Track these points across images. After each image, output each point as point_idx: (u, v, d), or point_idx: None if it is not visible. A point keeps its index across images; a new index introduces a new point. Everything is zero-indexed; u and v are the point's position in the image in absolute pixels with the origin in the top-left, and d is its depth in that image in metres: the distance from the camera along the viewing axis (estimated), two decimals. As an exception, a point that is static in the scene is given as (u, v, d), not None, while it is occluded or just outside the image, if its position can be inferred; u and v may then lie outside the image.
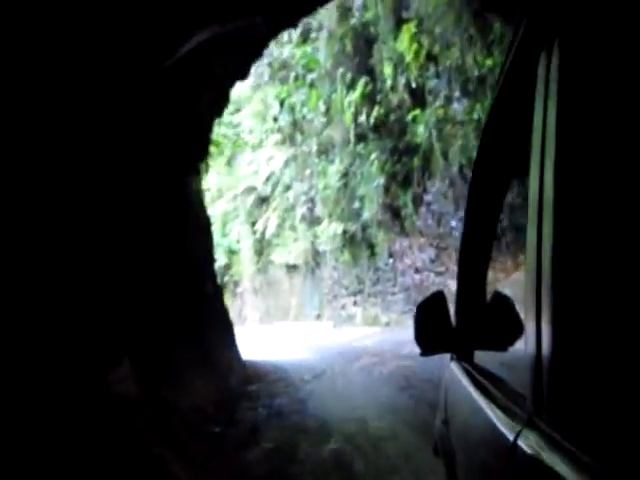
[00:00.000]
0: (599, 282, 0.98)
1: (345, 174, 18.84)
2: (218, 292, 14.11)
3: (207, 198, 32.69)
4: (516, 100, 1.62)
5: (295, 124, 22.77)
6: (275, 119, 24.66)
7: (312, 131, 21.11)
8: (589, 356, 0.99)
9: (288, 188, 26.00)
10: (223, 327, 13.22)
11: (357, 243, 19.16)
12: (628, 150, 0.96)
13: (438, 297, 2.38)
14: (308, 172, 22.54)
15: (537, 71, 1.21)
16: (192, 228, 10.57)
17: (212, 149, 32.37)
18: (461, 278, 2.39)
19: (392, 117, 15.68)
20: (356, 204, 18.26)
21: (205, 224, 13.02)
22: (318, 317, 24.24)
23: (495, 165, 2.04)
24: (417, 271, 16.63)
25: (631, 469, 0.84)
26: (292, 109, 22.91)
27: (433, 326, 2.36)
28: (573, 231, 1.04)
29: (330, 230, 20.16)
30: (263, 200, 28.68)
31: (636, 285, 0.91)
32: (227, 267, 31.32)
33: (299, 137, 22.63)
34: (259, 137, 28.27)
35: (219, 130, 33.80)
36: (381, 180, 16.43)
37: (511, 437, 1.27)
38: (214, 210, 31.85)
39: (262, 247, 29.47)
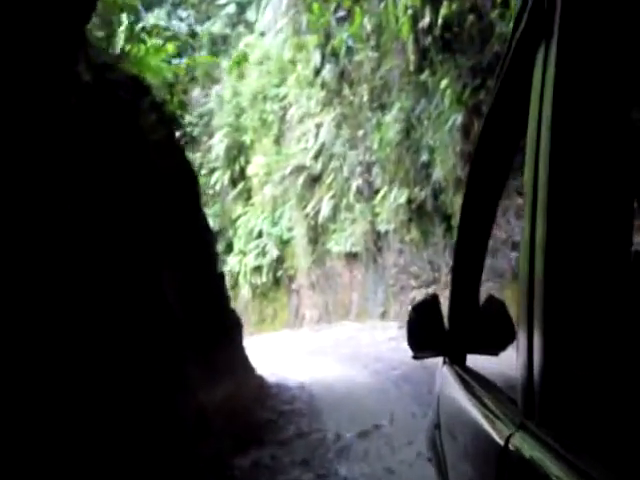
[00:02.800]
0: (592, 287, 0.96)
1: (407, 121, 13.29)
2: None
3: (255, 182, 27.87)
4: (513, 102, 1.59)
5: (342, 75, 17.37)
6: (317, 71, 19.27)
7: (362, 77, 15.68)
8: (581, 361, 0.97)
9: (341, 159, 20.67)
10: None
11: (427, 215, 13.69)
12: (622, 152, 0.94)
13: (432, 300, 2.35)
14: (361, 133, 17.08)
15: (534, 68, 1.17)
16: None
17: (259, 127, 27.28)
18: (454, 281, 2.31)
19: (469, 20, 10.08)
20: (423, 158, 12.71)
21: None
22: (383, 315, 18.83)
23: (492, 164, 1.92)
24: (515, 247, 11.05)
25: (623, 471, 0.82)
26: (335, 55, 17.49)
27: (426, 329, 2.31)
28: (566, 233, 1.00)
29: (390, 200, 14.68)
30: (315, 179, 23.43)
31: (629, 289, 0.92)
32: (280, 261, 26.19)
33: (347, 91, 17.21)
34: (305, 105, 23.06)
35: (264, 105, 29.06)
36: (458, 118, 10.91)
37: (502, 441, 1.24)
38: (263, 196, 26.95)
39: (317, 234, 24.21)
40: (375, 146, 15.79)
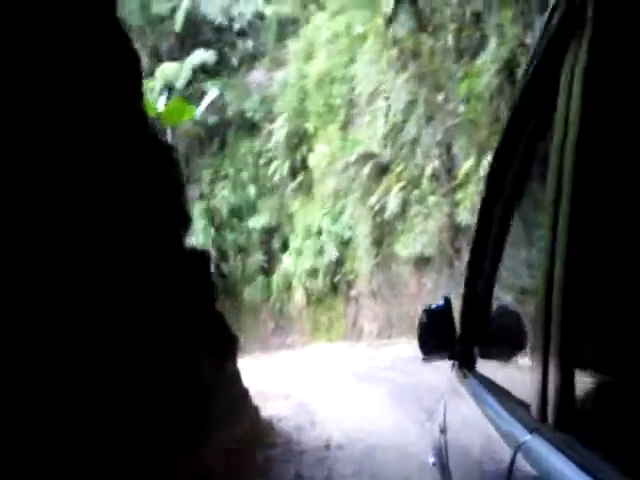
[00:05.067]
0: (606, 293, 0.94)
1: (509, 59, 8.97)
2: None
3: (316, 173, 23.89)
4: (540, 99, 1.43)
5: (419, 18, 13.18)
6: (389, 20, 15.10)
7: (446, 17, 11.50)
8: (596, 365, 0.96)
9: (414, 142, 16.53)
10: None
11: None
12: None
13: (445, 303, 2.31)
14: (442, 97, 12.87)
15: (562, 67, 1.11)
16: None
17: (324, 112, 23.38)
18: (468, 285, 2.23)
19: None
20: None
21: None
22: (458, 334, 14.58)
23: (513, 166, 1.77)
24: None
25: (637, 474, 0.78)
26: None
27: (437, 332, 2.27)
28: (587, 238, 0.97)
29: (478, 178, 10.46)
30: (383, 169, 19.33)
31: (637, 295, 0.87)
32: (339, 263, 22.15)
33: (425, 39, 13.03)
34: (375, 80, 19.02)
35: (331, 89, 25.22)
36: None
37: (514, 446, 1.18)
38: (323, 189, 22.99)
39: (382, 234, 20.05)
40: (461, 108, 11.62)
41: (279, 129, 24.74)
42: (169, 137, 21.60)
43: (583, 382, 0.96)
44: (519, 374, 1.42)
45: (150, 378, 4.58)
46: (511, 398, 1.45)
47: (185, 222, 6.05)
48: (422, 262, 17.83)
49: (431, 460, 2.59)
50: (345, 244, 21.89)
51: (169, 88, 27.00)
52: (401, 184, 17.75)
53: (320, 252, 22.30)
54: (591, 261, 0.95)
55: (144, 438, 4.32)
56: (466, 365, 2.20)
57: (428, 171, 14.67)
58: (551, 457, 0.98)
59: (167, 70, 26.56)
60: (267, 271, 24.99)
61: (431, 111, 14.24)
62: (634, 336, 0.86)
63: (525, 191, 1.72)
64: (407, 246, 18.07)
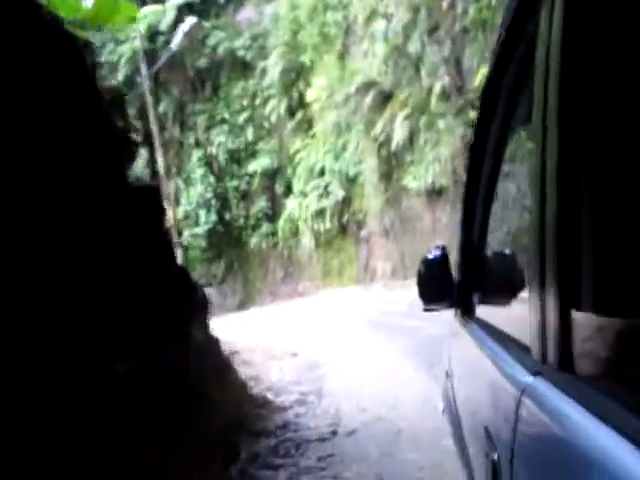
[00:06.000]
0: (603, 232, 0.93)
1: None
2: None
3: (316, 108, 21.94)
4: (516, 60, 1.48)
5: None
6: None
7: None
8: (593, 304, 0.93)
9: (418, 63, 14.71)
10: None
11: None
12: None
13: (441, 252, 2.28)
14: (446, 3, 11.00)
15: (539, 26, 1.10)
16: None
17: (320, 44, 21.47)
18: (462, 234, 2.25)
19: None
20: None
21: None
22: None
23: (501, 109, 1.76)
24: None
25: None
26: None
27: (436, 282, 2.24)
28: (576, 178, 0.96)
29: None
30: (386, 97, 17.53)
31: (634, 234, 0.88)
32: (346, 202, 20.52)
33: None
34: (372, 0, 17.06)
35: (325, 17, 23.20)
36: None
37: (519, 388, 1.18)
38: (323, 123, 21.19)
39: (390, 168, 18.38)
40: (470, 10, 9.81)
41: (273, 66, 22.84)
42: (146, 80, 19.76)
43: (581, 322, 0.95)
44: (518, 318, 1.35)
45: (77, 359, 3.13)
46: (512, 342, 1.43)
47: (128, 153, 4.50)
48: (435, 194, 16.23)
49: (441, 407, 2.52)
50: (351, 182, 20.24)
51: (154, 32, 25.10)
52: (406, 111, 15.98)
53: (325, 192, 20.68)
54: (584, 201, 0.94)
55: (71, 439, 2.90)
56: (466, 312, 2.20)
57: (436, 91, 12.88)
58: (555, 398, 0.98)
59: (150, 13, 24.52)
60: (272, 217, 23.42)
61: (435, 22, 12.40)
62: (630, 274, 0.87)
63: (512, 136, 1.67)
64: (418, 178, 16.46)
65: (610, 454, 0.77)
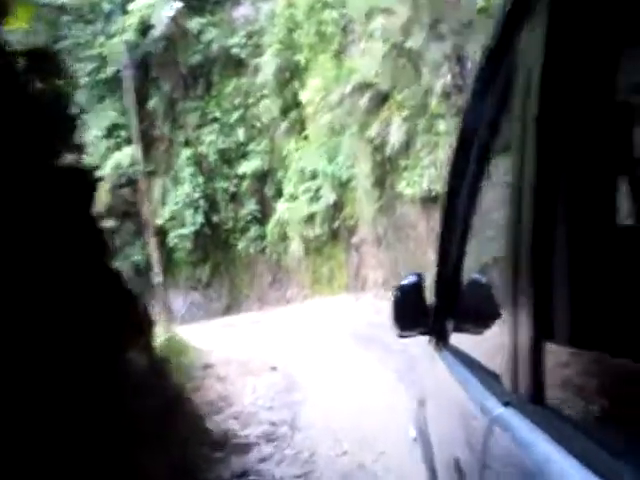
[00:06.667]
0: (576, 264, 0.92)
1: None
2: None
3: (309, 110, 20.89)
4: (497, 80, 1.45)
5: None
6: None
7: None
8: (564, 335, 0.93)
9: (418, 62, 13.78)
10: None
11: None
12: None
13: (417, 279, 2.24)
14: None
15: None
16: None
17: (316, 43, 20.55)
18: (439, 262, 2.18)
19: None
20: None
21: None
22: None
23: (479, 139, 1.72)
24: None
25: (609, 440, 0.78)
26: None
27: (411, 308, 2.20)
28: (552, 211, 0.95)
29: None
30: (384, 98, 16.59)
31: (613, 264, 0.88)
32: (337, 207, 19.56)
33: None
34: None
35: (322, 15, 22.28)
36: None
37: (488, 417, 1.19)
38: (316, 125, 20.23)
39: (384, 173, 17.41)
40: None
41: (267, 64, 21.90)
42: (128, 70, 18.80)
43: (553, 354, 0.93)
44: (491, 347, 1.33)
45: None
46: (484, 370, 1.42)
47: (64, 131, 3.54)
48: (430, 201, 15.24)
49: (412, 434, 2.48)
50: (343, 186, 19.28)
51: (147, 26, 24.15)
52: (404, 113, 15.04)
53: (316, 197, 19.72)
54: (559, 232, 0.93)
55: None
56: (440, 339, 2.16)
57: (437, 90, 11.96)
58: (524, 429, 0.97)
59: (142, 7, 23.57)
60: (261, 220, 22.44)
61: (438, 14, 11.48)
62: (604, 308, 0.85)
63: (490, 163, 1.65)
64: (412, 184, 15.52)
65: None
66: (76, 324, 2.93)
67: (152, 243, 13.52)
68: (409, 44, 13.90)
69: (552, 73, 0.94)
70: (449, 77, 11.52)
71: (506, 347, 1.09)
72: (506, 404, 1.10)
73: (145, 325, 3.99)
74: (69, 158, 3.36)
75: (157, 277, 13.02)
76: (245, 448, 4.32)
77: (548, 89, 0.95)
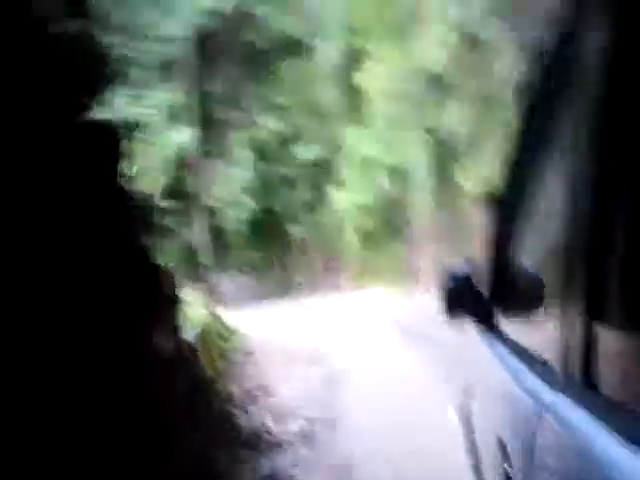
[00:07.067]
0: (627, 250, 0.89)
1: None
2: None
3: (371, 97, 20.23)
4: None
5: None
6: None
7: None
8: (616, 322, 0.91)
9: (491, 49, 13.15)
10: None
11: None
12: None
13: (467, 267, 2.28)
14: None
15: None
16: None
17: (381, 28, 19.97)
18: (490, 249, 2.16)
19: None
20: None
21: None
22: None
23: (541, 123, 1.63)
24: None
25: None
26: None
27: (461, 295, 2.22)
28: (602, 202, 0.95)
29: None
30: (448, 87, 16.01)
31: None
32: (394, 198, 19.06)
33: None
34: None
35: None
36: None
37: (540, 404, 1.17)
38: (377, 113, 19.69)
39: (444, 164, 16.89)
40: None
41: (330, 49, 21.45)
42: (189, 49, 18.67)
43: (606, 340, 0.92)
44: (542, 334, 1.32)
45: None
46: (534, 358, 1.41)
47: (93, 83, 3.21)
48: (491, 197, 14.68)
49: (451, 414, 2.53)
50: (402, 176, 18.75)
51: (215, 10, 23.96)
52: (470, 104, 14.45)
53: (374, 186, 19.22)
54: (611, 219, 0.93)
55: None
56: (490, 326, 2.13)
57: (508, 83, 11.33)
58: (577, 415, 0.96)
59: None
60: (316, 207, 22.07)
61: (516, 4, 10.85)
62: None
63: (545, 157, 1.59)
64: (474, 177, 14.92)
65: (630, 473, 0.76)
66: (92, 298, 2.61)
67: (204, 225, 13.31)
68: (483, 35, 13.30)
69: (614, 72, 0.94)
70: (524, 69, 10.86)
71: (557, 334, 1.09)
72: (558, 391, 1.10)
73: (169, 301, 3.63)
74: (97, 114, 3.03)
75: (206, 259, 12.78)
76: (275, 448, 3.94)
77: (608, 88, 0.95)
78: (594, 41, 1.02)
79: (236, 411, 4.56)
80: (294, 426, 4.55)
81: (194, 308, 6.91)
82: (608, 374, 0.93)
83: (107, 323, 2.80)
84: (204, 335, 6.31)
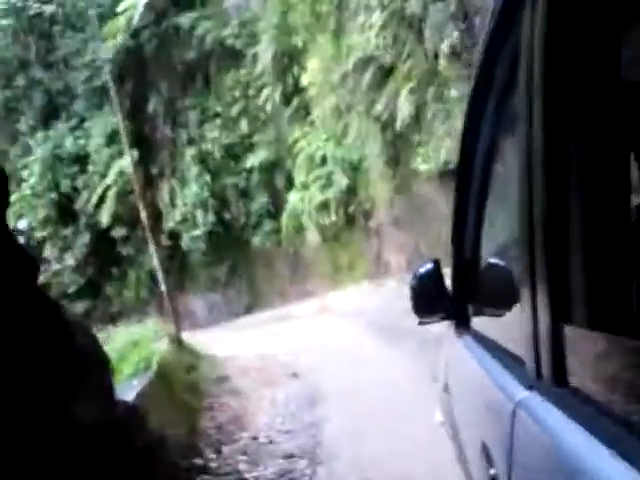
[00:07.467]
0: (593, 245, 0.90)
1: None
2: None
3: (312, 93, 19.55)
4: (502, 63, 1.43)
5: None
6: None
7: None
8: (586, 318, 0.92)
9: (421, 27, 12.72)
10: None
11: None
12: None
13: (434, 265, 2.20)
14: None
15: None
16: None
17: (312, 23, 19.41)
18: (455, 246, 2.17)
19: None
20: None
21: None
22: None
23: (489, 120, 1.71)
24: None
25: (633, 422, 0.77)
26: None
27: (430, 294, 2.17)
28: (566, 194, 0.94)
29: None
30: (388, 71, 15.55)
31: (629, 246, 0.87)
32: (351, 192, 18.57)
33: None
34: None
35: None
36: None
37: (513, 401, 1.17)
38: (321, 108, 19.19)
39: (396, 151, 16.42)
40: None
41: (264, 51, 20.88)
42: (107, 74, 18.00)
43: (575, 336, 0.93)
44: (513, 330, 1.29)
45: None
46: (507, 354, 1.42)
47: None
48: (448, 175, 14.22)
49: (439, 419, 2.47)
50: (355, 169, 18.29)
51: (137, 26, 23.23)
52: (411, 83, 14.00)
53: (329, 183, 18.72)
54: (575, 213, 0.91)
55: None
56: (461, 323, 2.14)
57: (444, 51, 10.91)
58: (548, 412, 0.98)
59: (129, 6, 22.65)
60: (274, 213, 21.47)
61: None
62: (623, 289, 0.85)
63: (502, 143, 1.62)
64: (428, 159, 14.53)
65: (602, 469, 0.77)
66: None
67: (152, 249, 12.66)
68: (409, 10, 12.87)
69: (558, 47, 0.92)
70: (455, 36, 10.44)
71: (527, 330, 1.08)
72: (530, 387, 1.10)
73: (89, 367, 3.02)
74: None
75: (162, 284, 12.15)
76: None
77: (554, 65, 0.93)
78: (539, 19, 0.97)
79: (202, 460, 3.97)
80: (272, 469, 3.98)
81: (149, 345, 6.30)
82: (578, 371, 0.92)
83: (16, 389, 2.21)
84: (163, 372, 5.70)
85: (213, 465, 4.02)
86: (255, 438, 4.94)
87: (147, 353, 5.75)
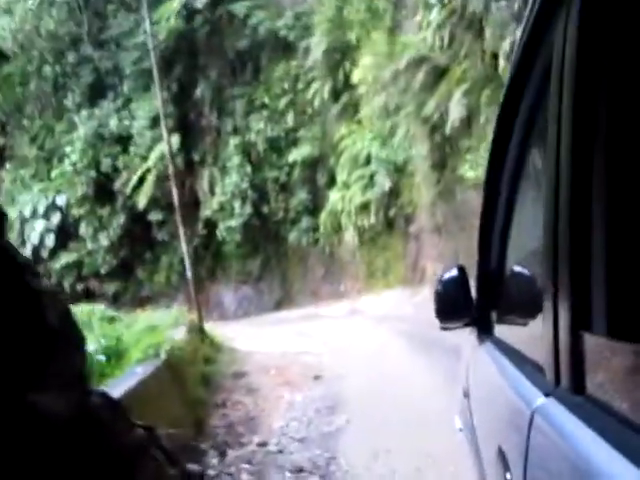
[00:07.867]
0: (616, 255, 0.90)
1: None
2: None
3: (362, 90, 18.90)
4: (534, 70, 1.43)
5: None
6: None
7: None
8: (606, 327, 0.90)
9: (480, 26, 12.14)
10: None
11: None
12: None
13: (459, 271, 2.19)
14: None
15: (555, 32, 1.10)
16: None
17: (367, 19, 18.88)
18: (481, 253, 2.13)
19: None
20: None
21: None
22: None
23: (520, 129, 1.69)
24: None
25: None
26: None
27: (454, 300, 2.16)
28: (590, 205, 0.93)
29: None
30: (441, 72, 14.98)
31: None
32: (393, 194, 18.02)
33: None
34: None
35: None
36: None
37: (531, 408, 1.17)
38: (369, 107, 18.65)
39: (443, 155, 15.83)
40: None
41: (317, 45, 20.44)
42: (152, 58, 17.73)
43: (594, 345, 0.92)
44: (534, 338, 1.31)
45: None
46: (527, 362, 1.43)
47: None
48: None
49: (458, 425, 2.50)
50: (399, 171, 17.74)
51: (191, 11, 23.05)
52: (465, 85, 13.42)
53: (371, 183, 18.20)
54: (598, 224, 0.92)
55: None
56: (484, 330, 2.16)
57: (505, 50, 10.33)
58: (565, 420, 0.97)
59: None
60: (313, 210, 21.03)
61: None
62: None
63: (530, 155, 1.64)
64: (475, 167, 13.90)
65: (618, 478, 0.77)
66: None
67: (181, 234, 12.31)
68: (470, 8, 12.29)
69: (589, 62, 0.92)
70: (518, 35, 9.87)
71: (547, 338, 1.08)
72: (547, 395, 1.10)
73: (61, 343, 2.63)
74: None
75: (188, 271, 11.78)
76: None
77: (586, 74, 0.93)
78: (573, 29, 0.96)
79: (201, 465, 3.56)
80: (277, 482, 3.52)
81: (164, 332, 5.87)
82: (596, 379, 0.91)
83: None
84: (173, 361, 5.29)
85: (211, 473, 3.58)
86: (264, 444, 4.49)
87: (159, 339, 5.35)
